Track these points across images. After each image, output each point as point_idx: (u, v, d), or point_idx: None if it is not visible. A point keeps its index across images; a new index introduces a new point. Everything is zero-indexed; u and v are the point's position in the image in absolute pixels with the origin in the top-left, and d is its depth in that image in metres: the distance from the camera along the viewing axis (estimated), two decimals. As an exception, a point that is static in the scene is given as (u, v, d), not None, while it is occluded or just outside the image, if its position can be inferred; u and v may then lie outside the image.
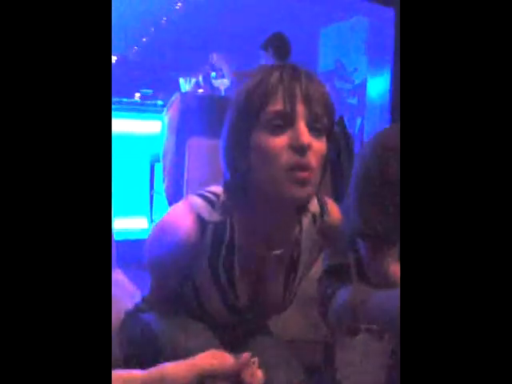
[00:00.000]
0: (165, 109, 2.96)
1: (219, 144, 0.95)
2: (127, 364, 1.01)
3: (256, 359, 0.70)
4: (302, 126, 0.86)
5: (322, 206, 1.07)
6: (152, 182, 3.51)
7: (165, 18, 5.72)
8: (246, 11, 5.30)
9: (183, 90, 3.65)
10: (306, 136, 0.85)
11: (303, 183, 0.86)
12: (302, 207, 0.99)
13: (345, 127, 4.15)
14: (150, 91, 5.63)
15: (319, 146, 0.88)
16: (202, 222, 0.94)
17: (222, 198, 0.96)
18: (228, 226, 0.96)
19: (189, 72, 3.79)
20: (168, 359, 0.67)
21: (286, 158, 0.85)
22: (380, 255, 1.20)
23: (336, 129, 4.07)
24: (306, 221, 1.04)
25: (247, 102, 0.89)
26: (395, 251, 1.19)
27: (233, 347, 0.84)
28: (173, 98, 2.91)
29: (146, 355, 0.97)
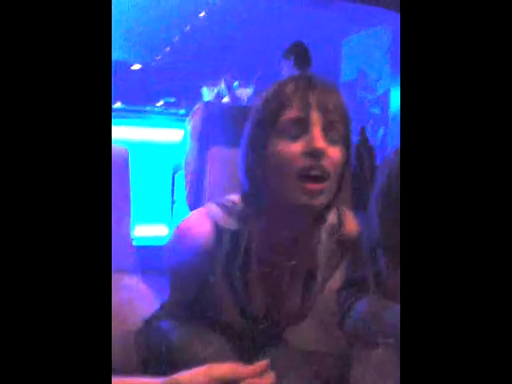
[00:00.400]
0: (187, 117, 2.98)
1: (237, 153, 0.96)
2: (145, 370, 1.02)
3: (272, 373, 0.70)
4: (316, 131, 0.87)
5: (340, 217, 1.07)
6: (173, 190, 3.54)
7: (188, 27, 5.77)
8: (269, 21, 5.33)
9: (206, 99, 3.67)
10: (320, 141, 0.86)
11: (316, 192, 0.87)
12: (319, 217, 0.99)
13: (366, 138, 4.14)
14: (172, 99, 5.69)
15: (335, 152, 0.89)
16: (218, 229, 0.95)
17: (240, 206, 0.97)
18: (245, 234, 0.97)
19: (212, 81, 3.82)
20: (183, 367, 0.68)
21: (301, 163, 0.86)
22: (398, 270, 1.19)
23: (358, 139, 4.06)
24: (324, 232, 1.04)
25: (264, 111, 0.91)
26: None
27: (248, 357, 0.85)
28: (195, 107, 2.94)
29: (162, 362, 0.97)
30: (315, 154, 0.86)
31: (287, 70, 3.53)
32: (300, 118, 0.88)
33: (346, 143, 0.92)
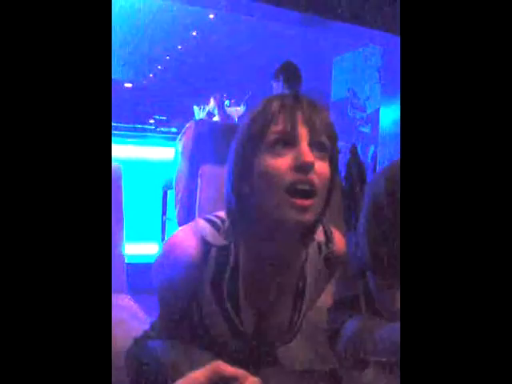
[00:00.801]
0: (178, 136, 2.99)
1: (224, 170, 0.96)
2: None
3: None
4: (304, 146, 0.87)
5: (328, 234, 1.07)
6: (164, 208, 3.52)
7: (180, 46, 5.81)
8: (261, 41, 5.37)
9: (197, 118, 3.68)
10: (309, 155, 0.86)
11: (305, 208, 0.86)
12: (307, 234, 0.98)
13: (357, 156, 4.16)
14: (164, 117, 5.70)
15: (322, 168, 0.89)
16: (205, 244, 0.94)
17: (228, 222, 0.97)
18: (232, 250, 0.97)
19: (203, 99, 3.84)
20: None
21: (290, 177, 0.86)
22: (389, 288, 1.20)
23: (349, 157, 4.06)
24: (311, 249, 1.04)
25: (251, 127, 0.91)
26: None
27: None
28: (186, 125, 2.94)
29: (151, 382, 0.96)
30: (304, 168, 0.86)
31: (278, 89, 3.55)
32: (287, 132, 0.88)
33: (332, 160, 0.92)
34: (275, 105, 0.90)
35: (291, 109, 0.89)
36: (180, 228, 0.99)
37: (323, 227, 1.06)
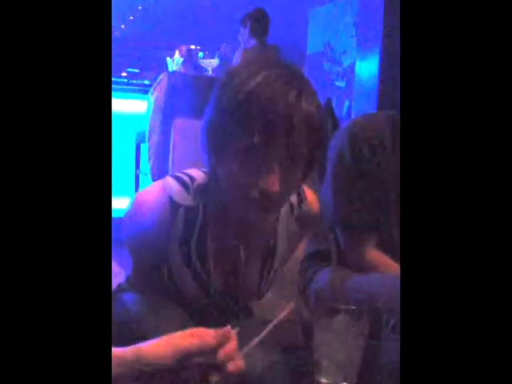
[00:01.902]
0: (151, 88, 2.94)
1: (200, 129, 0.92)
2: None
3: (234, 331, 0.70)
4: (274, 173, 0.82)
5: (301, 195, 1.07)
6: (138, 162, 3.49)
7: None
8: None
9: (170, 70, 3.61)
10: (275, 185, 0.82)
11: (267, 208, 0.87)
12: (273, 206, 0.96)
13: (332, 110, 4.15)
14: (136, 70, 5.58)
15: (292, 177, 0.86)
16: (173, 204, 0.94)
17: (197, 182, 0.96)
18: (200, 210, 0.96)
19: (176, 51, 3.75)
20: (142, 339, 0.67)
21: (253, 194, 0.84)
22: (357, 244, 1.22)
23: (323, 111, 4.06)
24: (283, 210, 1.04)
25: (226, 110, 0.85)
26: (372, 239, 1.21)
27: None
28: (159, 77, 2.89)
29: (121, 335, 0.97)
30: (267, 195, 0.84)
31: (243, 37, 3.48)
32: (261, 144, 0.81)
33: (313, 159, 0.89)
34: (258, 101, 0.81)
35: (274, 110, 0.81)
36: (149, 185, 0.98)
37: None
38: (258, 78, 0.83)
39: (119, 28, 6.21)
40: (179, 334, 0.67)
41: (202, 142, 0.91)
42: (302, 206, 1.06)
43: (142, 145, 3.35)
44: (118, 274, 1.39)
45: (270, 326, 0.74)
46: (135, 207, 0.96)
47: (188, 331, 0.67)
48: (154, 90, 2.87)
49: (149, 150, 2.87)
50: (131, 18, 6.04)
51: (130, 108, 3.70)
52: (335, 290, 1.17)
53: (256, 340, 0.73)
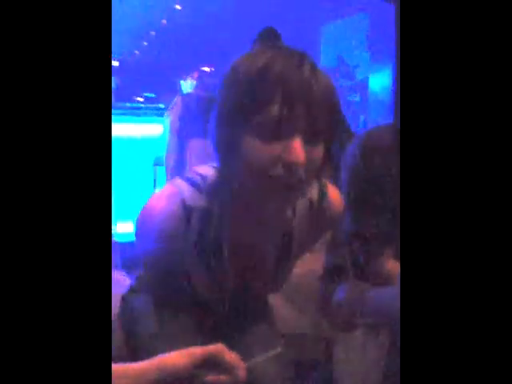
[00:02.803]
0: (166, 111, 2.97)
1: (209, 125, 0.88)
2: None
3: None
4: (297, 141, 0.79)
5: (322, 191, 1.02)
6: (155, 185, 3.52)
7: (165, 21, 5.72)
8: (247, 10, 5.30)
9: (184, 92, 3.65)
10: (300, 154, 0.79)
11: (290, 188, 0.82)
12: (297, 191, 0.91)
13: (348, 125, 4.14)
14: (152, 95, 5.65)
15: (314, 155, 0.82)
16: (186, 208, 0.90)
17: (210, 179, 0.92)
18: (216, 210, 0.92)
19: (190, 74, 3.79)
20: (153, 343, 0.67)
21: (276, 171, 0.80)
22: (375, 255, 1.21)
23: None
24: (301, 206, 1.00)
25: (240, 91, 0.81)
26: (391, 249, 1.19)
27: (225, 339, 0.84)
28: (174, 100, 2.92)
29: (134, 337, 0.96)
30: (291, 167, 0.79)
31: None
32: (282, 116, 0.78)
33: (330, 136, 0.85)
34: (275, 73, 0.78)
35: (292, 82, 0.78)
36: (159, 191, 0.94)
37: (318, 185, 1.00)
38: (268, 54, 0.81)
39: (133, 53, 6.31)
40: (201, 347, 0.67)
41: (212, 136, 0.87)
42: (323, 203, 1.01)
43: (159, 168, 3.37)
44: (122, 281, 1.40)
45: (258, 360, 0.73)
46: (145, 217, 0.92)
47: (211, 347, 0.67)
48: (169, 112, 2.90)
49: (166, 173, 2.89)
50: (145, 43, 6.12)
51: (146, 132, 3.75)
52: (354, 305, 1.16)
53: (257, 359, 0.73)
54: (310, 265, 1.77)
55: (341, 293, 1.25)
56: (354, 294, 1.20)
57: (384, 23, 4.17)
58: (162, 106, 3.96)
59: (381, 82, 4.39)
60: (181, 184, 0.92)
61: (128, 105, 4.43)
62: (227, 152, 0.86)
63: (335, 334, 0.93)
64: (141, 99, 5.79)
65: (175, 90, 4.00)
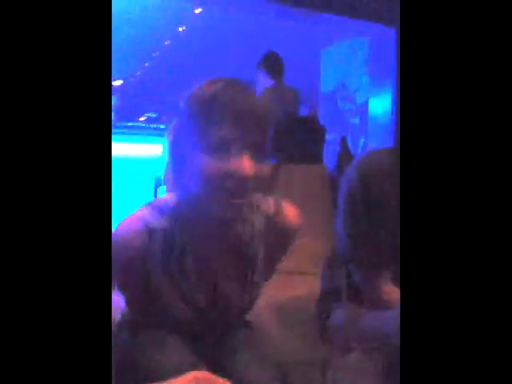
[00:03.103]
0: (166, 132, 2.99)
1: (166, 148, 1.01)
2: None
3: None
4: (246, 157, 0.88)
5: (277, 207, 1.09)
6: (155, 205, 3.51)
7: (167, 42, 5.79)
8: (247, 35, 5.36)
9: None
10: (249, 168, 0.88)
11: (240, 206, 0.91)
12: (249, 210, 1.02)
13: (348, 148, 4.16)
14: (154, 115, 5.68)
15: (263, 170, 0.91)
16: (149, 229, 0.97)
17: (171, 204, 1.00)
18: (177, 231, 0.99)
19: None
20: (145, 375, 0.66)
21: (228, 184, 0.88)
22: (372, 279, 1.20)
23: (340, 149, 4.02)
24: (259, 222, 1.07)
25: (193, 116, 0.92)
26: (387, 274, 1.19)
27: (213, 363, 0.85)
28: (174, 120, 2.94)
29: (125, 371, 0.97)
30: (242, 181, 0.88)
31: (260, 80, 3.54)
32: (231, 136, 0.88)
33: (268, 146, 0.94)
34: (223, 100, 0.89)
35: (238, 107, 0.89)
36: (125, 218, 1.01)
37: (274, 201, 1.09)
38: (217, 85, 0.92)
39: (135, 75, 6.36)
40: (183, 378, 0.66)
41: (170, 157, 0.99)
42: (278, 218, 1.08)
43: (160, 188, 3.38)
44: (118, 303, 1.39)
45: None
46: (113, 239, 0.96)
47: (192, 374, 0.67)
48: (168, 133, 2.92)
49: (166, 192, 2.90)
50: (146, 64, 6.19)
51: (147, 152, 3.76)
52: (350, 329, 1.15)
53: None
54: (306, 288, 1.77)
55: (336, 316, 1.25)
56: (350, 317, 1.20)
57: (384, 47, 4.22)
58: (162, 126, 3.99)
59: (381, 105, 4.42)
60: (144, 209, 1.00)
61: (130, 124, 4.45)
62: (183, 171, 0.95)
63: (330, 358, 0.93)
64: (143, 119, 5.83)
65: (175, 110, 4.04)
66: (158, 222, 0.98)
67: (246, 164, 0.88)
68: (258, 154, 0.90)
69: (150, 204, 1.01)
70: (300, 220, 1.12)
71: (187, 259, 1.01)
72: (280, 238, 1.10)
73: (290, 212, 1.11)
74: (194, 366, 0.82)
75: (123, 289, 1.04)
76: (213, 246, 1.03)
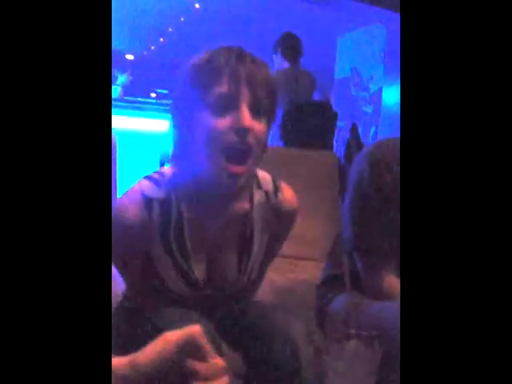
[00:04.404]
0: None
1: (170, 111, 1.01)
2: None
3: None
4: (244, 108, 0.91)
5: (275, 184, 1.10)
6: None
7: (183, 18, 5.75)
8: (264, 17, 5.31)
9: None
10: (248, 119, 0.90)
11: (237, 176, 0.93)
12: (240, 190, 1.03)
13: (358, 135, 4.14)
14: (165, 91, 5.67)
15: (260, 127, 0.94)
16: (146, 200, 0.99)
17: (167, 175, 1.01)
18: (174, 201, 1.01)
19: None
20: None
21: (228, 138, 0.91)
22: (375, 269, 1.20)
23: (349, 136, 3.98)
24: (258, 197, 1.08)
25: (194, 80, 0.94)
26: (391, 265, 1.18)
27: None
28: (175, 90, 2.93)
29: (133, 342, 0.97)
30: (242, 132, 0.90)
31: (277, 62, 3.48)
32: (229, 93, 0.91)
33: (271, 115, 0.98)
34: (220, 61, 0.92)
35: (235, 65, 0.92)
36: (124, 192, 1.03)
37: (271, 178, 1.10)
38: (213, 51, 0.96)
39: (149, 49, 6.34)
40: (171, 332, 0.63)
41: (172, 117, 1.00)
42: (278, 194, 1.09)
43: (165, 164, 3.39)
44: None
45: None
46: (114, 211, 1.00)
47: (182, 330, 0.64)
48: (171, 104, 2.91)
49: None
50: (161, 39, 6.16)
51: (158, 127, 3.77)
52: (349, 316, 1.15)
53: None
54: (308, 273, 1.77)
55: (337, 303, 1.24)
56: (350, 305, 1.19)
57: (399, 35, 4.17)
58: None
59: (394, 94, 4.38)
60: (141, 181, 1.02)
61: (141, 100, 4.46)
62: (184, 129, 0.97)
63: (328, 344, 0.92)
64: (153, 95, 5.82)
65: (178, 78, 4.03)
66: (155, 192, 0.99)
67: (244, 114, 0.90)
68: (257, 112, 0.93)
69: (147, 176, 1.02)
70: (298, 201, 1.13)
71: (184, 231, 1.02)
72: (279, 217, 1.11)
73: (289, 192, 1.12)
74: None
75: (122, 263, 1.04)
76: (210, 217, 1.03)
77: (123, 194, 1.01)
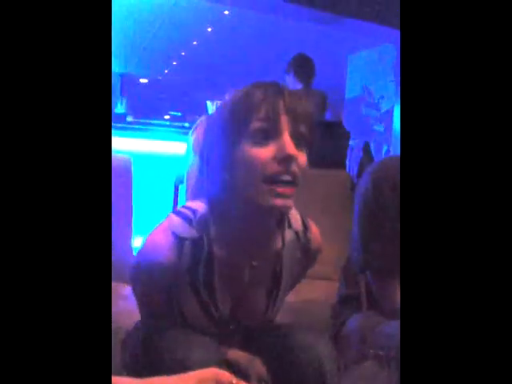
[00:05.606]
0: (190, 130, 3.00)
1: (202, 158, 0.97)
2: (127, 371, 1.02)
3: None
4: (286, 137, 0.88)
5: (305, 223, 1.08)
6: (175, 203, 3.54)
7: (195, 42, 5.82)
8: (276, 38, 5.36)
9: (210, 113, 3.70)
10: (291, 147, 0.87)
11: (287, 195, 0.89)
12: (281, 219, 1.02)
13: (371, 154, 4.14)
14: (178, 113, 5.72)
15: (302, 158, 0.91)
16: (178, 239, 0.96)
17: (200, 213, 0.98)
18: (205, 240, 0.98)
19: (218, 95, 3.85)
20: (168, 371, 0.67)
21: (272, 169, 0.87)
22: (389, 285, 1.19)
23: (362, 155, 3.96)
24: (289, 236, 1.06)
25: (232, 114, 0.91)
26: None
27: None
28: (198, 120, 2.96)
29: (145, 366, 0.97)
30: (286, 160, 0.87)
31: (289, 83, 3.50)
32: (269, 121, 0.88)
33: (311, 147, 0.94)
34: (258, 93, 0.90)
35: (274, 97, 0.90)
36: (154, 228, 1.00)
37: (300, 217, 1.08)
38: (250, 86, 0.93)
39: (163, 73, 6.41)
40: (201, 370, 0.66)
41: (204, 150, 0.97)
42: (308, 234, 1.07)
43: (180, 186, 3.40)
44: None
45: None
46: (142, 249, 0.99)
47: (210, 370, 0.66)
48: (193, 132, 2.93)
49: (186, 191, 2.91)
50: (174, 63, 6.23)
51: (170, 150, 3.78)
52: (365, 336, 1.15)
53: None
54: (323, 292, 1.77)
55: (353, 322, 1.24)
56: (366, 324, 1.19)
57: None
58: (186, 124, 4.01)
59: (406, 113, 4.38)
60: (173, 218, 0.98)
61: (155, 122, 4.50)
62: (222, 164, 0.93)
63: (344, 364, 0.92)
64: (167, 117, 5.87)
65: (201, 110, 4.05)
66: (186, 231, 0.96)
67: (288, 142, 0.88)
68: (298, 141, 0.90)
69: (178, 212, 0.99)
70: (322, 242, 1.11)
71: (214, 270, 0.99)
72: (306, 254, 1.09)
73: (316, 231, 1.10)
74: (218, 364, 0.82)
75: (142, 299, 1.04)
76: (240, 256, 1.01)
77: (153, 231, 0.99)
